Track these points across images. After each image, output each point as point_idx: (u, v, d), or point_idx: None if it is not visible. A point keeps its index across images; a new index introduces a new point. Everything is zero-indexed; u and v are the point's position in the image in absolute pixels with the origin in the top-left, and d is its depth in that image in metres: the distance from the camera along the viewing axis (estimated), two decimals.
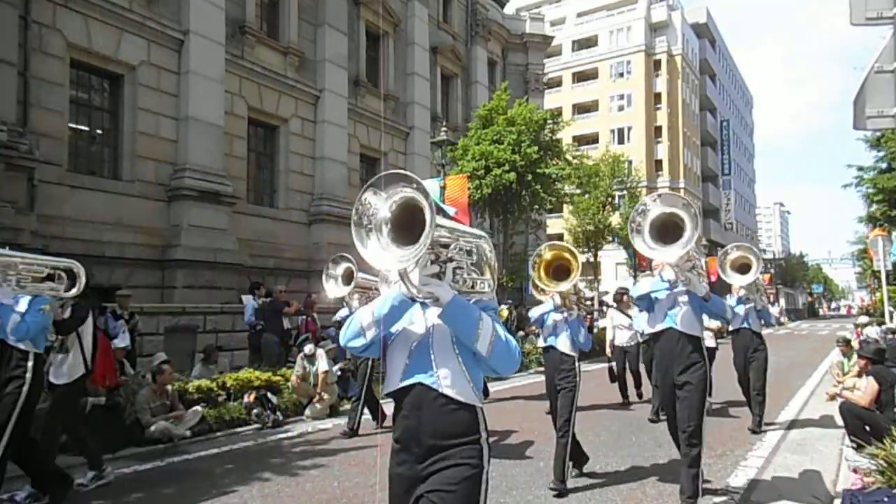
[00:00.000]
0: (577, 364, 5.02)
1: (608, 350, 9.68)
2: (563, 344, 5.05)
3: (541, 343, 5.21)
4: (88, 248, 10.42)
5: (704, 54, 56.12)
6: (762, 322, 7.45)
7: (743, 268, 6.66)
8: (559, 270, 5.00)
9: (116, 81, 11.75)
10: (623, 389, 9.21)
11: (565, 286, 4.93)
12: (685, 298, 4.48)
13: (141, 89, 11.81)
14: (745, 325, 7.29)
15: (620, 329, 9.37)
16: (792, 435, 7.02)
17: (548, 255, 5.04)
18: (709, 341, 8.29)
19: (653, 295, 4.58)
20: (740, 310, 7.27)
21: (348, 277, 6.78)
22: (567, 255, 5.02)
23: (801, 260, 70.84)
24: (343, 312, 7.42)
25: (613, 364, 9.34)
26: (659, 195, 4.51)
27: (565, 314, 5.05)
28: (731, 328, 7.62)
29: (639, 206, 4.47)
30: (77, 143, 11.20)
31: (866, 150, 20.87)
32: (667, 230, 4.33)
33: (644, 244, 4.35)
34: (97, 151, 11.68)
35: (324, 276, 6.81)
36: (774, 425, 7.43)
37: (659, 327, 4.56)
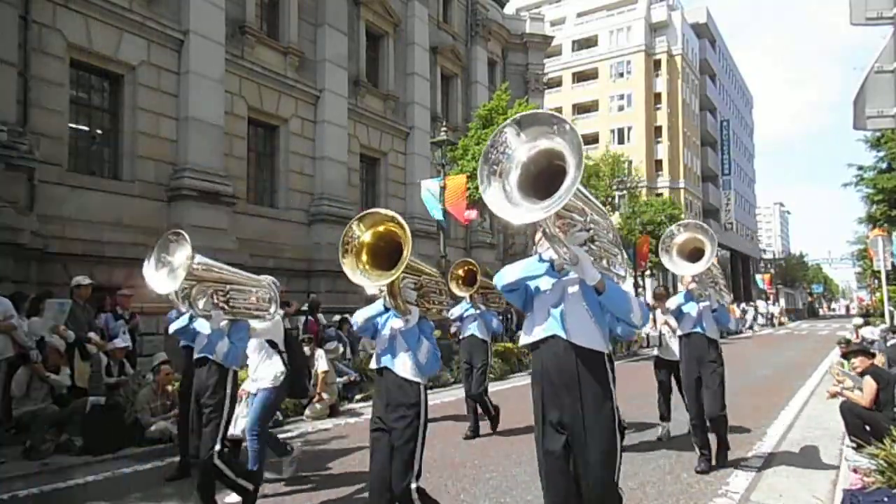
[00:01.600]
0: (422, 396, 3.52)
1: None
2: (401, 365, 3.50)
3: (373, 364, 3.67)
4: (88, 248, 10.42)
5: (704, 54, 56.13)
6: (720, 327, 5.62)
7: (694, 253, 5.15)
8: (385, 257, 3.37)
9: (116, 81, 11.75)
10: None
11: (385, 278, 3.28)
12: (577, 290, 2.76)
13: (141, 89, 11.80)
14: (698, 329, 5.47)
15: None
16: (792, 435, 7.02)
17: (366, 235, 3.37)
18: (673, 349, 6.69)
19: (531, 285, 2.89)
20: (691, 309, 5.52)
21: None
22: (386, 228, 3.37)
23: (801, 260, 70.86)
24: (174, 314, 5.69)
25: None
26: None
27: (402, 321, 3.50)
28: (679, 333, 5.73)
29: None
30: (77, 143, 11.19)
31: (866, 150, 20.87)
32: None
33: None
34: (97, 151, 11.68)
35: (148, 262, 4.53)
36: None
37: (538, 334, 2.81)
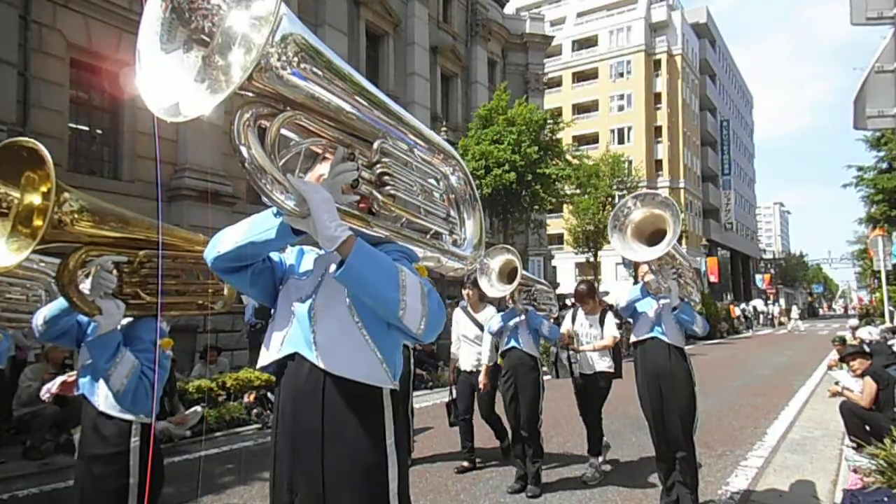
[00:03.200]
0: (133, 443, 2.43)
1: (450, 374, 6.16)
2: (103, 394, 2.37)
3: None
4: None
5: (704, 54, 56.13)
6: (684, 329, 4.26)
7: (655, 236, 4.03)
8: None
9: (117, 81, 11.75)
10: (468, 435, 5.66)
11: (20, 253, 2.14)
12: (331, 289, 1.62)
13: None
14: (657, 333, 4.20)
15: (467, 342, 5.67)
16: (792, 435, 7.02)
17: (29, 193, 2.19)
18: (600, 363, 5.37)
19: (283, 260, 1.84)
20: (647, 307, 4.26)
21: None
22: (30, 175, 2.17)
23: (801, 260, 70.93)
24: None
25: (454, 394, 5.83)
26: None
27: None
28: (633, 338, 4.44)
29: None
30: (77, 143, 11.19)
31: (866, 150, 20.90)
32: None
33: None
34: (97, 151, 11.68)
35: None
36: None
37: (275, 352, 1.69)
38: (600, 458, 5.36)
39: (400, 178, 1.68)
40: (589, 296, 5.58)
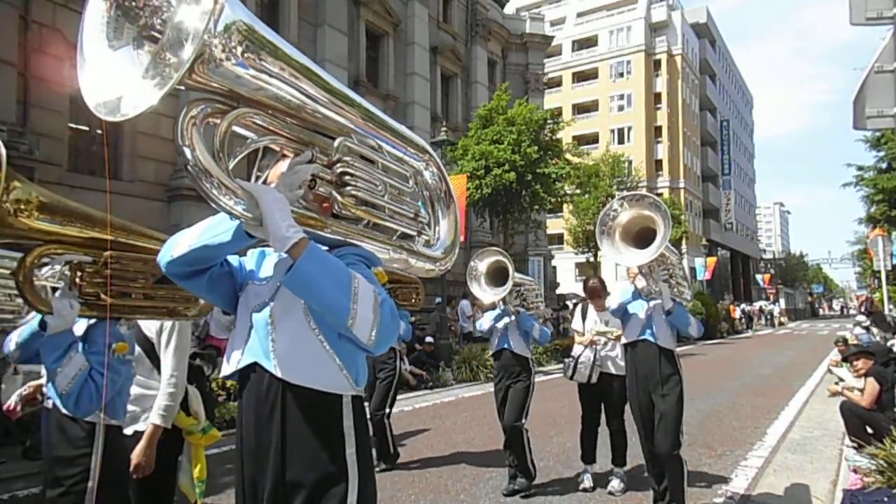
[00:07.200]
0: (98, 446, 2.28)
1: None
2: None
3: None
4: None
5: (704, 54, 56.16)
6: (675, 332, 4.17)
7: (644, 236, 3.92)
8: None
9: None
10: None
11: None
12: (289, 295, 1.56)
13: None
14: (648, 336, 4.12)
15: None
16: (792, 435, 7.03)
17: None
18: (620, 363, 4.86)
19: (243, 265, 1.78)
20: (638, 309, 4.20)
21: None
22: None
23: (801, 260, 70.95)
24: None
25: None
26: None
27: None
28: (624, 341, 4.38)
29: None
30: (77, 143, 11.20)
31: (866, 150, 20.95)
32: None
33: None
34: (97, 151, 11.68)
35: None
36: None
37: (235, 362, 1.70)
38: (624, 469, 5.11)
39: (363, 178, 1.61)
40: (604, 291, 5.20)
